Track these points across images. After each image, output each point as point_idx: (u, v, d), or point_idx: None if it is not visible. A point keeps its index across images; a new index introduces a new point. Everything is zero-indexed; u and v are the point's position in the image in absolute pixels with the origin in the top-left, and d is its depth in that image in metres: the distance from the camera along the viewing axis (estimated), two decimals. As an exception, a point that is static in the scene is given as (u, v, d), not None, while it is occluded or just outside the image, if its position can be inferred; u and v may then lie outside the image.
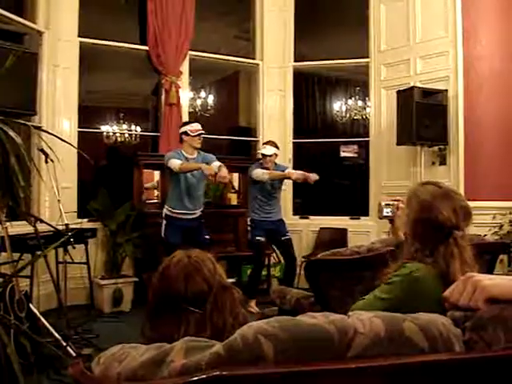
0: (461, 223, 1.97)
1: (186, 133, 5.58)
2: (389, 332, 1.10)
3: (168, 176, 5.73)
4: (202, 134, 5.59)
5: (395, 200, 2.55)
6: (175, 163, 5.35)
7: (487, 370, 1.11)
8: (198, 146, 5.60)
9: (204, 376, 0.99)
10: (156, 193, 6.73)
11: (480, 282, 1.19)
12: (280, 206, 6.21)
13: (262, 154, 5.98)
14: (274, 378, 1.02)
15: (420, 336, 1.11)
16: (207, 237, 5.69)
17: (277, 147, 6.06)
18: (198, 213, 5.69)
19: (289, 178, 5.91)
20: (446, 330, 1.16)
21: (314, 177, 5.71)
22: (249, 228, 6.04)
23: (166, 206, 5.64)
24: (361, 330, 1.09)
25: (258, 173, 5.87)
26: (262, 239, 5.96)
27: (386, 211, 2.56)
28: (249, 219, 6.06)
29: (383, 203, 2.58)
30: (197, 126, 5.64)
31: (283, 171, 5.97)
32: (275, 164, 6.07)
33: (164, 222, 5.59)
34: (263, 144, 6.22)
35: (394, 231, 2.30)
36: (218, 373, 0.99)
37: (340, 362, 1.05)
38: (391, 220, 2.47)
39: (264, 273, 6.63)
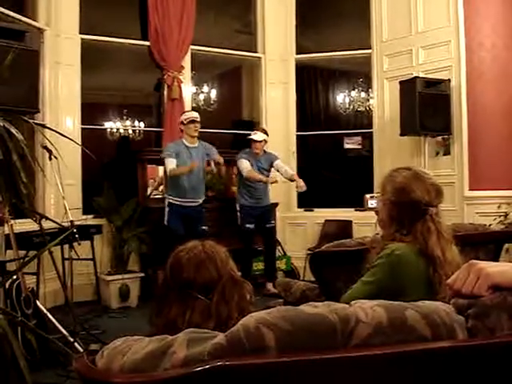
0: (434, 200, 2.11)
1: (181, 122, 5.76)
2: (391, 320, 1.09)
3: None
4: (194, 120, 5.68)
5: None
6: (168, 165, 5.51)
7: (491, 357, 1.11)
8: (194, 134, 5.70)
9: (207, 366, 0.99)
10: (161, 188, 6.70)
11: (483, 270, 1.19)
12: (268, 190, 6.31)
13: (252, 139, 6.08)
14: (277, 367, 1.02)
15: (423, 324, 1.11)
16: (204, 228, 5.78)
17: (267, 134, 6.17)
18: (200, 201, 5.81)
19: (265, 183, 6.03)
20: (448, 317, 1.15)
21: (300, 184, 5.90)
22: (238, 214, 6.13)
23: (168, 196, 5.75)
24: (363, 318, 1.08)
25: (242, 165, 6.02)
26: (252, 227, 6.06)
27: (371, 203, 2.60)
28: (237, 205, 6.15)
29: (368, 195, 2.65)
30: (190, 114, 5.80)
31: (272, 163, 6.18)
32: (264, 152, 6.20)
33: (167, 209, 5.69)
34: (254, 130, 6.30)
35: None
36: (220, 363, 0.99)
37: (342, 350, 1.05)
38: (377, 212, 2.48)
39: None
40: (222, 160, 5.79)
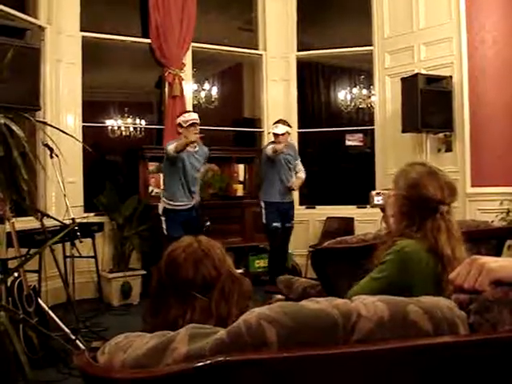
0: (447, 199, 2.07)
1: (180, 125, 5.36)
2: (393, 315, 1.09)
3: (167, 168, 5.45)
4: (196, 123, 5.30)
5: (386, 189, 2.57)
6: (170, 147, 5.16)
7: (492, 351, 1.11)
8: (194, 138, 5.25)
9: (209, 362, 0.99)
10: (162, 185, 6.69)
11: (485, 265, 1.19)
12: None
13: (274, 134, 5.86)
14: (278, 363, 1.02)
15: (424, 319, 1.11)
16: (208, 223, 5.52)
17: (289, 126, 5.99)
18: (192, 204, 5.52)
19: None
20: (450, 312, 1.15)
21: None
22: (263, 212, 5.90)
23: (164, 200, 5.42)
24: (364, 313, 1.08)
25: (267, 149, 5.84)
26: (279, 225, 5.85)
27: (377, 199, 2.59)
28: (262, 202, 5.92)
29: (374, 192, 2.62)
30: (189, 116, 5.37)
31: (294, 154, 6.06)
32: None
33: (163, 218, 5.39)
34: (274, 123, 6.02)
35: (386, 219, 2.32)
36: (222, 358, 0.99)
37: (344, 346, 1.05)
38: (382, 208, 2.48)
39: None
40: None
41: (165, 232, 5.37)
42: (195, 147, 5.45)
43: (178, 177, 5.37)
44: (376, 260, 2.16)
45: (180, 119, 5.40)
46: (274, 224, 5.83)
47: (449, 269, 1.99)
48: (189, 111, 5.79)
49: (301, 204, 7.41)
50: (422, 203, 2.08)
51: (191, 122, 5.29)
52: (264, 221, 5.91)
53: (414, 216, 2.10)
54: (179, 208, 5.41)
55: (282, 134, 5.82)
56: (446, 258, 2.02)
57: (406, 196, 2.12)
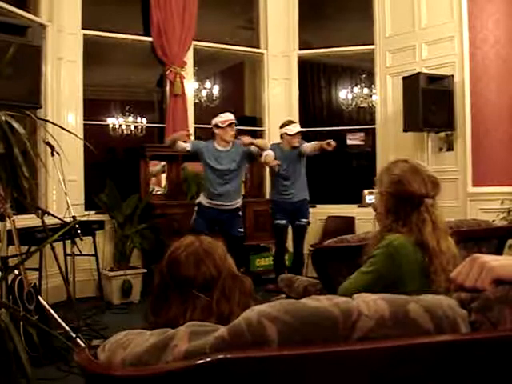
0: (430, 192, 2.13)
1: (216, 125, 5.39)
2: (393, 313, 1.09)
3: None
4: (233, 123, 5.35)
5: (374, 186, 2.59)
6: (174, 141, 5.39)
7: (493, 350, 1.10)
8: (231, 138, 5.35)
9: (209, 359, 0.99)
10: (164, 183, 6.71)
11: (487, 263, 1.18)
12: (301, 185, 5.88)
13: (299, 132, 5.71)
14: (279, 360, 1.02)
15: (425, 317, 1.11)
16: (241, 230, 5.51)
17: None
18: (233, 205, 5.48)
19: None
20: (451, 311, 1.15)
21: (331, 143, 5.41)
22: (270, 210, 5.95)
23: (201, 194, 5.57)
24: (365, 311, 1.08)
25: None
26: (283, 222, 5.79)
27: (369, 198, 2.61)
28: (271, 200, 5.98)
29: (366, 191, 2.66)
30: (227, 116, 5.39)
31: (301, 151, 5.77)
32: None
33: (195, 208, 5.50)
34: (288, 124, 5.78)
35: (378, 218, 2.35)
36: (222, 356, 0.99)
37: (344, 344, 1.05)
38: (375, 207, 2.49)
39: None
40: (245, 139, 5.35)
41: (191, 223, 5.45)
42: (231, 145, 5.42)
43: (206, 175, 5.48)
44: (365, 255, 2.21)
45: (217, 120, 5.42)
46: (277, 221, 5.81)
47: (436, 261, 2.04)
48: (225, 112, 5.62)
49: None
50: (406, 199, 2.13)
51: (229, 121, 5.35)
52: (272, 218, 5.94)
53: (399, 211, 2.16)
54: (210, 206, 5.43)
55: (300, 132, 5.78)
56: (431, 250, 2.07)
57: (390, 193, 2.18)
